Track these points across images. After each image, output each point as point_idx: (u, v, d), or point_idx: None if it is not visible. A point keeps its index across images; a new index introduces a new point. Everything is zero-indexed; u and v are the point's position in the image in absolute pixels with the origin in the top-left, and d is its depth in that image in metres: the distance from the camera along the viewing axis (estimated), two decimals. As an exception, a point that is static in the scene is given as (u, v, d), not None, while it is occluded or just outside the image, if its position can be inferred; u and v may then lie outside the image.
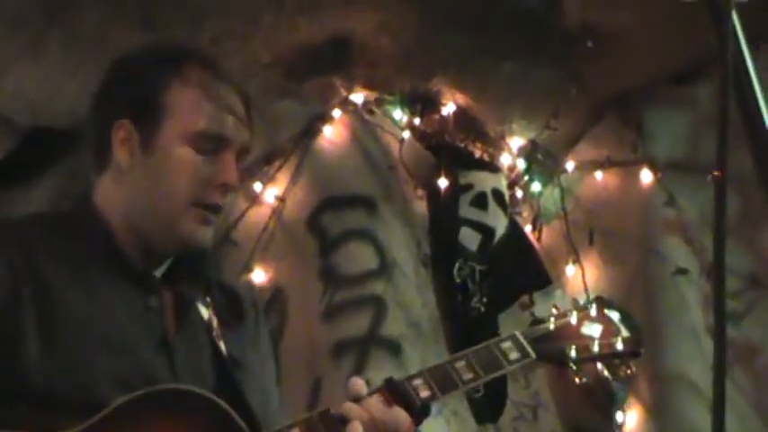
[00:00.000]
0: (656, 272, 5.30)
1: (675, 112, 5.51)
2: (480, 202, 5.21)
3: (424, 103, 5.32)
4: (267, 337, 2.50)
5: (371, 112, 5.19)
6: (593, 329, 2.65)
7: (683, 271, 5.22)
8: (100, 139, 2.26)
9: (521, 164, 5.58)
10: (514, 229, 5.43)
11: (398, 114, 5.24)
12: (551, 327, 2.62)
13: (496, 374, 2.43)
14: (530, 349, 2.50)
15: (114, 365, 2.07)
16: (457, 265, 5.10)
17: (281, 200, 4.94)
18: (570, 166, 5.68)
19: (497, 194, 5.28)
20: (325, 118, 5.07)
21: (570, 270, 5.50)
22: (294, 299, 4.81)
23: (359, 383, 2.21)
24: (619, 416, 5.21)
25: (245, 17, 4.56)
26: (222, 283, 2.48)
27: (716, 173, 1.38)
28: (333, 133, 5.06)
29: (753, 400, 5.06)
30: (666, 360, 5.05)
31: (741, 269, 5.04)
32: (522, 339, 2.51)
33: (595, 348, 2.63)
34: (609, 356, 2.67)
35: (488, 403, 4.99)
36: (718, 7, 1.42)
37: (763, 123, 1.43)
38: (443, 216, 5.17)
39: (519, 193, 5.61)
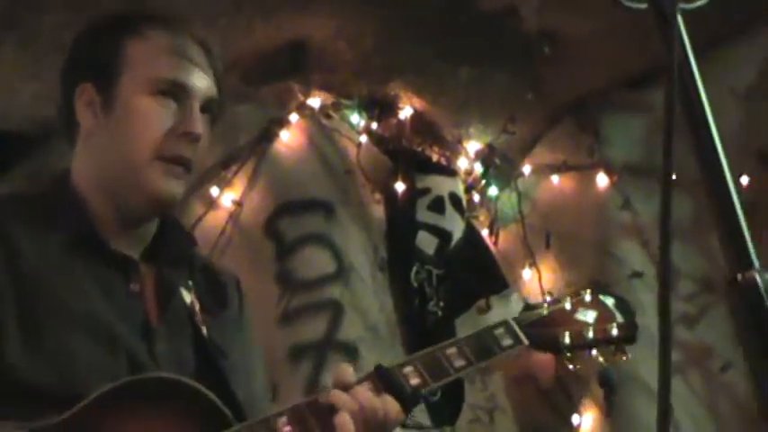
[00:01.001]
0: (612, 275, 5.33)
1: (631, 117, 5.55)
2: (437, 206, 5.23)
3: (381, 108, 5.33)
4: (250, 323, 2.44)
5: (329, 117, 5.19)
6: (588, 315, 2.55)
7: (638, 274, 5.25)
8: (66, 111, 2.23)
9: (478, 168, 5.61)
10: (471, 233, 5.45)
11: (356, 119, 5.24)
12: (545, 312, 2.53)
13: (489, 361, 2.35)
14: (522, 335, 2.42)
15: (97, 355, 2.02)
16: (414, 269, 5.11)
17: (238, 204, 4.92)
18: (527, 169, 5.72)
19: (454, 198, 5.30)
20: (283, 122, 5.06)
21: (527, 274, 5.53)
22: (251, 303, 4.78)
23: (347, 370, 2.12)
24: (575, 418, 5.24)
25: (202, 20, 4.54)
26: (206, 265, 2.42)
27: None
28: (290, 138, 5.05)
29: (706, 403, 5.11)
30: (621, 363, 5.08)
31: (694, 273, 5.09)
32: (514, 325, 2.44)
33: (590, 335, 2.53)
34: (604, 342, 2.56)
35: (446, 406, 5.00)
36: (664, 14, 1.44)
37: (708, 128, 1.45)
38: (401, 220, 5.18)
39: (476, 197, 5.63)
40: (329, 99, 5.20)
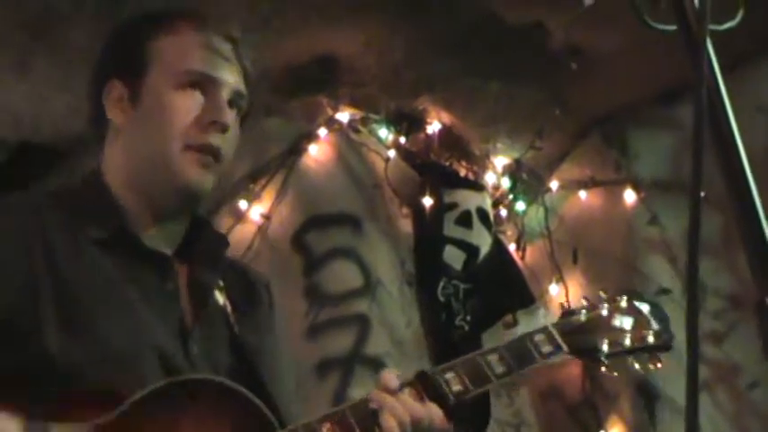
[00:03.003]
0: (639, 291, 5.30)
1: (659, 132, 5.53)
2: (465, 220, 5.23)
3: (409, 122, 5.33)
4: (279, 327, 2.43)
5: (357, 131, 5.20)
6: (625, 322, 2.50)
7: (665, 291, 5.22)
8: (95, 108, 2.25)
9: (505, 183, 5.61)
10: (499, 248, 5.44)
11: (384, 133, 5.25)
12: (583, 319, 2.47)
13: (529, 368, 2.30)
14: (562, 342, 2.37)
15: (132, 355, 2.02)
16: (441, 283, 5.11)
17: (267, 218, 4.94)
18: (554, 185, 5.71)
19: (482, 213, 5.29)
20: (311, 136, 5.07)
21: (554, 289, 5.51)
22: (278, 317, 4.80)
23: (390, 377, 2.11)
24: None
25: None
26: (234, 263, 2.43)
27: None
28: (318, 152, 5.07)
29: (733, 420, 5.08)
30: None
31: (722, 289, 5.06)
32: (554, 332, 2.38)
33: (627, 342, 2.47)
34: (640, 350, 2.50)
35: (472, 421, 4.99)
36: (693, 36, 1.43)
37: (736, 146, 1.45)
38: (428, 235, 5.18)
39: (503, 212, 5.63)
40: (358, 113, 5.21)
